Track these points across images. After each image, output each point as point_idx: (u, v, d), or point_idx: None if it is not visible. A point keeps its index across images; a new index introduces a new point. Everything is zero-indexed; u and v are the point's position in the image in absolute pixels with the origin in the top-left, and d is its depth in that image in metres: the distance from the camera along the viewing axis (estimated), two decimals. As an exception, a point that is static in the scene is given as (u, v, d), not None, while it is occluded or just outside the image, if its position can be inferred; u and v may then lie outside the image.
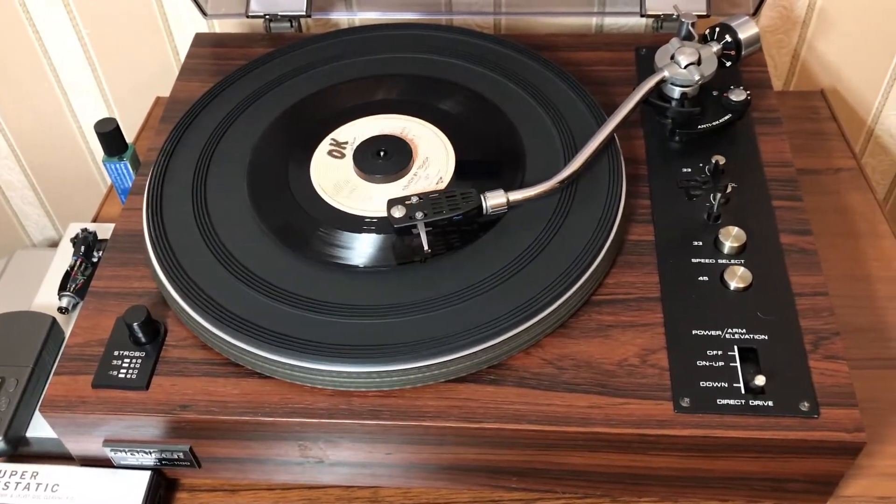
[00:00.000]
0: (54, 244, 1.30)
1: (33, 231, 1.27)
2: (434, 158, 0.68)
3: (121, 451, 0.61)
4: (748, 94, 0.70)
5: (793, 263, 0.63)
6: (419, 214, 0.61)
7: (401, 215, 0.61)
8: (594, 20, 0.93)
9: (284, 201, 0.66)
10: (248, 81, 0.75)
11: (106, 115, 1.09)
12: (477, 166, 0.68)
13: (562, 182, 0.64)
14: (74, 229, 0.77)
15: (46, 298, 0.74)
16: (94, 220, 0.85)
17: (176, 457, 0.61)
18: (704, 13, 0.80)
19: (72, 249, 0.75)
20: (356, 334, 0.58)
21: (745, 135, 0.71)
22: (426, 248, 0.60)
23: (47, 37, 1.00)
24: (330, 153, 0.69)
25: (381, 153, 0.68)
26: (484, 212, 0.62)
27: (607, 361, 0.58)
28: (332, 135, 0.70)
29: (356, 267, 0.62)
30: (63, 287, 0.72)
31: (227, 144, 0.70)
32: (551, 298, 0.58)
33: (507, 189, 0.63)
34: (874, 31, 0.91)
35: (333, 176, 0.67)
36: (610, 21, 0.93)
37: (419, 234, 0.61)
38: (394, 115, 0.72)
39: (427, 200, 0.62)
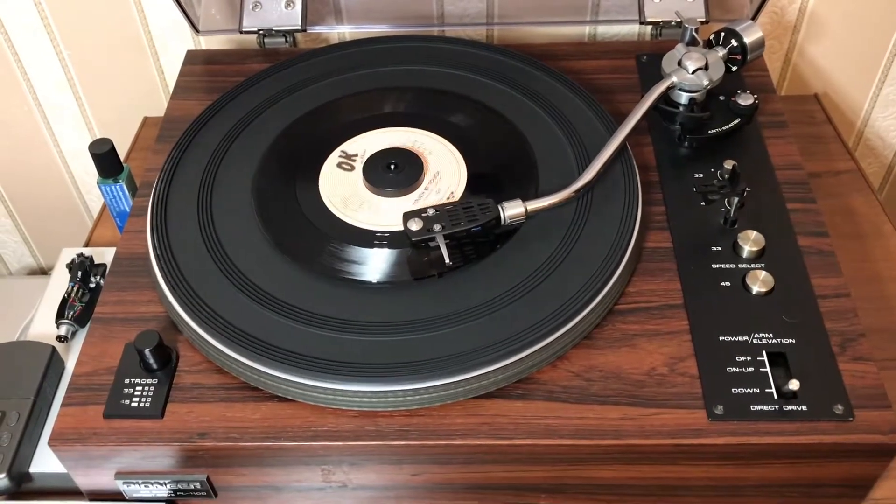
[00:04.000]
0: (33, 272, 1.26)
1: (10, 260, 1.23)
2: (445, 171, 0.67)
3: (134, 484, 0.58)
4: (756, 98, 0.70)
5: (812, 266, 0.62)
6: (437, 227, 0.59)
7: (418, 228, 0.59)
8: (587, 29, 0.93)
9: (294, 217, 0.64)
10: (249, 96, 0.73)
11: (88, 138, 1.06)
12: (489, 179, 0.67)
13: (577, 191, 0.63)
14: (69, 255, 0.74)
15: (42, 327, 0.71)
16: (87, 245, 0.82)
17: (192, 487, 0.58)
18: (704, 19, 0.80)
19: (67, 275, 0.72)
20: (377, 352, 0.56)
21: (753, 139, 0.71)
22: (447, 260, 0.58)
23: (26, 58, 0.97)
24: (339, 165, 0.67)
25: (392, 166, 0.66)
26: (502, 222, 0.61)
27: (636, 371, 0.57)
28: (341, 147, 0.69)
29: (370, 282, 0.60)
30: (61, 315, 0.70)
31: (231, 161, 0.68)
32: (576, 310, 0.57)
33: (523, 200, 0.62)
34: (864, 35, 0.92)
35: (342, 190, 0.66)
36: (603, 29, 0.93)
37: (437, 246, 0.59)
38: (403, 128, 0.71)
39: (444, 212, 0.60)
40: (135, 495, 0.59)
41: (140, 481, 0.58)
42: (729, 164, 0.67)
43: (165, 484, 0.58)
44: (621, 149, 0.66)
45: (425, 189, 0.66)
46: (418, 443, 0.54)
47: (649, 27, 0.83)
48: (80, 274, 0.71)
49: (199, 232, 0.63)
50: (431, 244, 0.60)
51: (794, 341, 0.58)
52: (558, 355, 0.58)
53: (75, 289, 0.71)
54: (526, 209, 0.61)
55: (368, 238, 0.63)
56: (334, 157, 0.68)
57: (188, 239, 0.63)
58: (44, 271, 1.25)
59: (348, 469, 0.57)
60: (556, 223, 0.63)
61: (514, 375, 0.56)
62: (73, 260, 0.72)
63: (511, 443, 0.54)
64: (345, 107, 0.73)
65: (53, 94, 1.01)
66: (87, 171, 1.09)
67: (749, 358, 0.57)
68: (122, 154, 0.98)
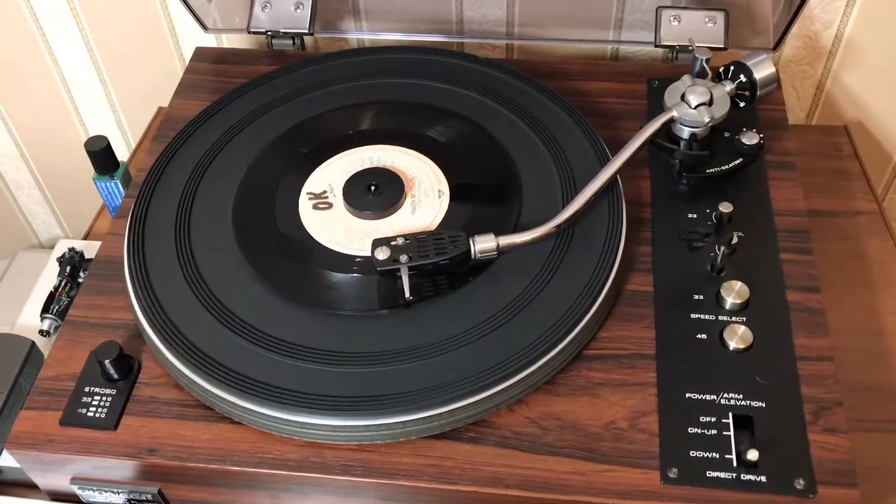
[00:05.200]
0: (61, 244, 1.29)
1: (41, 230, 1.27)
2: (427, 192, 0.65)
3: (89, 490, 0.59)
4: (761, 139, 0.66)
5: (798, 323, 0.59)
6: (404, 257, 0.58)
7: (384, 257, 0.58)
8: (609, 47, 0.90)
9: (270, 237, 0.63)
10: (237, 107, 0.73)
11: (112, 119, 1.08)
12: (470, 203, 0.65)
13: (558, 227, 0.61)
14: (63, 247, 0.75)
15: (30, 319, 0.72)
16: (86, 237, 0.83)
17: (144, 498, 0.59)
18: (721, 46, 0.76)
19: (58, 268, 0.73)
20: (331, 383, 0.55)
21: (756, 179, 0.68)
22: (407, 294, 0.57)
23: (54, 40, 0.99)
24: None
25: (373, 188, 0.65)
26: (472, 256, 0.59)
27: (594, 424, 0.55)
28: (306, 187, 0.67)
29: (339, 310, 0.59)
30: (46, 308, 0.71)
31: (213, 175, 0.68)
32: (538, 355, 0.56)
33: (500, 232, 0.60)
34: (904, 64, 0.87)
35: (324, 212, 0.65)
36: (626, 47, 0.90)
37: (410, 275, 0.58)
38: (386, 146, 0.69)
39: (413, 242, 0.59)
40: (91, 500, 0.60)
41: (94, 488, 0.59)
42: (725, 207, 0.64)
43: (119, 493, 0.59)
44: (610, 183, 0.63)
45: (406, 210, 0.64)
46: (362, 479, 0.54)
47: (666, 50, 0.79)
48: (69, 269, 0.72)
49: (174, 245, 0.63)
50: (397, 273, 0.59)
51: (764, 405, 0.55)
52: (516, 400, 0.56)
53: (63, 283, 0.72)
54: (498, 244, 0.59)
55: (343, 262, 0.62)
56: (306, 193, 0.67)
57: (163, 250, 0.63)
58: (88, 236, 1.28)
59: (297, 497, 0.57)
60: (531, 258, 0.61)
61: (466, 418, 0.55)
62: (63, 254, 0.73)
63: (455, 488, 0.53)
64: (325, 122, 0.71)
65: (79, 77, 1.02)
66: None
67: (714, 419, 0.55)
68: (133, 142, 1.00)
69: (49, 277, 0.74)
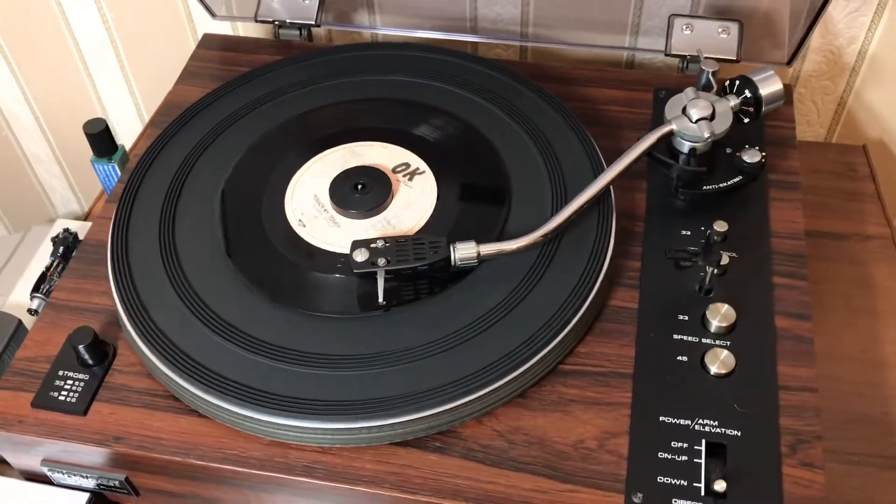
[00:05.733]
0: (77, 218, 1.31)
1: (59, 204, 1.28)
2: (414, 192, 0.64)
3: (58, 472, 0.59)
4: (763, 157, 0.64)
5: (784, 351, 0.57)
6: (382, 261, 0.57)
7: (362, 259, 0.57)
8: (625, 54, 0.88)
9: (252, 233, 0.63)
10: (231, 99, 0.72)
11: (128, 97, 1.08)
12: (460, 206, 0.64)
13: (544, 236, 0.60)
14: (59, 227, 0.76)
15: (21, 296, 0.73)
16: (86, 218, 0.84)
17: (112, 484, 0.59)
18: (734, 58, 0.74)
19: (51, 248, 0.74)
20: (298, 384, 0.55)
21: (756, 198, 0.66)
22: (381, 298, 0.56)
23: (73, 17, 0.99)
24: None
25: (359, 186, 0.64)
26: (452, 263, 0.58)
27: (562, 441, 0.54)
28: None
29: (313, 311, 0.58)
30: (37, 287, 0.71)
31: (202, 168, 0.67)
32: (509, 368, 0.55)
33: (485, 239, 0.59)
34: (930, 84, 0.84)
35: (310, 212, 0.64)
36: (641, 55, 0.88)
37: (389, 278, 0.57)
38: (375, 142, 0.68)
39: (393, 246, 0.58)
40: (61, 482, 0.61)
41: (64, 471, 0.59)
42: (720, 226, 0.62)
43: (88, 477, 0.59)
44: (602, 194, 0.62)
45: (392, 210, 0.64)
46: (323, 483, 0.53)
47: (677, 60, 0.77)
48: (62, 249, 0.72)
49: (157, 234, 0.63)
50: (376, 276, 0.58)
51: (739, 433, 0.54)
52: (485, 412, 0.55)
53: (55, 263, 0.72)
54: (478, 253, 0.58)
55: (324, 261, 0.61)
56: (301, 183, 0.66)
57: (146, 239, 0.63)
58: (87, 217, 1.29)
59: (262, 495, 0.57)
60: (514, 266, 0.60)
61: (434, 427, 0.54)
62: (58, 234, 0.74)
63: (414, 498, 0.52)
64: (316, 118, 0.70)
65: (97, 54, 1.03)
66: (127, 130, 1.11)
67: (686, 445, 0.53)
68: (144, 123, 1.00)
69: (45, 256, 0.74)
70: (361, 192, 0.64)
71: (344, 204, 0.63)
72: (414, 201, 0.64)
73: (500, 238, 0.61)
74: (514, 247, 0.59)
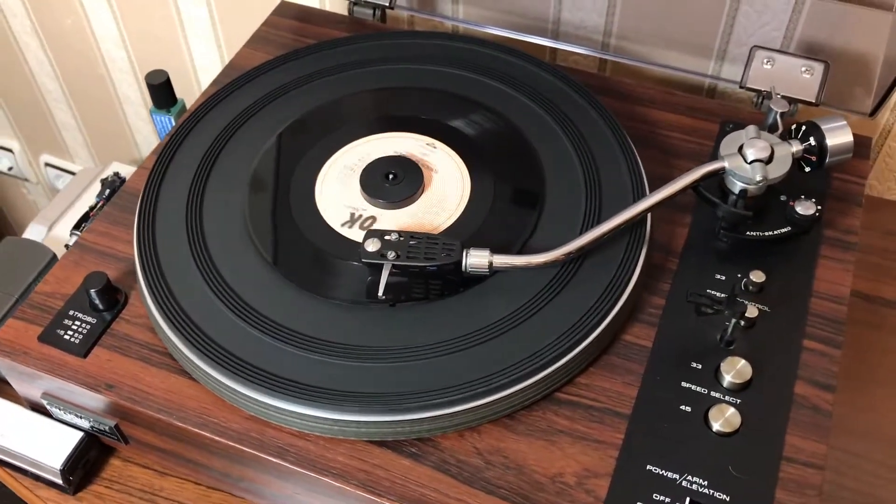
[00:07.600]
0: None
1: (143, 146, 1.32)
2: (448, 188, 0.63)
3: (56, 407, 0.61)
4: (818, 211, 0.60)
5: (797, 420, 0.54)
6: (391, 254, 0.56)
7: (373, 249, 0.56)
8: (707, 81, 0.84)
9: (279, 214, 0.62)
10: (290, 69, 0.72)
11: (216, 53, 1.10)
12: (488, 210, 0.62)
13: (565, 255, 0.57)
14: (112, 169, 0.78)
15: (63, 231, 0.75)
16: (143, 164, 0.85)
17: (104, 429, 0.60)
18: (813, 101, 0.69)
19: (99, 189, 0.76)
20: (286, 365, 0.54)
21: (805, 253, 0.62)
22: (381, 292, 0.55)
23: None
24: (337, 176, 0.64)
25: (391, 176, 0.63)
26: (463, 269, 0.57)
27: (541, 471, 0.52)
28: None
29: (322, 295, 0.58)
30: (78, 226, 0.73)
31: (242, 135, 0.67)
32: (497, 386, 0.53)
33: (505, 249, 0.57)
34: None
35: (339, 195, 0.64)
36: (723, 84, 0.83)
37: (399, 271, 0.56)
38: (417, 135, 0.67)
39: (406, 241, 0.57)
40: (59, 417, 0.62)
41: (62, 408, 0.61)
42: (757, 276, 0.59)
43: (82, 417, 0.60)
44: (636, 222, 0.59)
45: (422, 204, 0.62)
46: (293, 468, 0.53)
47: (753, 94, 0.73)
48: (107, 192, 0.74)
49: (186, 193, 0.64)
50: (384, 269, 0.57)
51: (728, 498, 0.50)
52: (468, 426, 0.54)
53: (99, 204, 0.74)
54: (490, 262, 0.56)
55: (340, 246, 0.60)
56: (334, 162, 0.65)
57: (175, 196, 0.64)
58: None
59: (239, 468, 0.57)
60: (531, 282, 0.58)
61: (411, 433, 0.53)
62: (108, 176, 0.76)
63: (379, 499, 0.51)
64: (356, 104, 0.70)
65: (190, 7, 1.05)
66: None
67: (668, 500, 0.51)
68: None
69: (91, 197, 0.76)
70: (392, 182, 0.63)
71: (373, 192, 0.62)
72: (447, 198, 0.62)
73: (523, 249, 0.59)
74: (529, 262, 0.57)
